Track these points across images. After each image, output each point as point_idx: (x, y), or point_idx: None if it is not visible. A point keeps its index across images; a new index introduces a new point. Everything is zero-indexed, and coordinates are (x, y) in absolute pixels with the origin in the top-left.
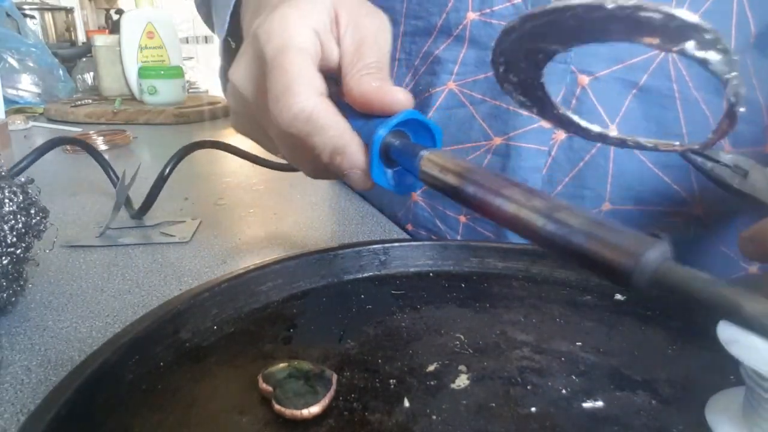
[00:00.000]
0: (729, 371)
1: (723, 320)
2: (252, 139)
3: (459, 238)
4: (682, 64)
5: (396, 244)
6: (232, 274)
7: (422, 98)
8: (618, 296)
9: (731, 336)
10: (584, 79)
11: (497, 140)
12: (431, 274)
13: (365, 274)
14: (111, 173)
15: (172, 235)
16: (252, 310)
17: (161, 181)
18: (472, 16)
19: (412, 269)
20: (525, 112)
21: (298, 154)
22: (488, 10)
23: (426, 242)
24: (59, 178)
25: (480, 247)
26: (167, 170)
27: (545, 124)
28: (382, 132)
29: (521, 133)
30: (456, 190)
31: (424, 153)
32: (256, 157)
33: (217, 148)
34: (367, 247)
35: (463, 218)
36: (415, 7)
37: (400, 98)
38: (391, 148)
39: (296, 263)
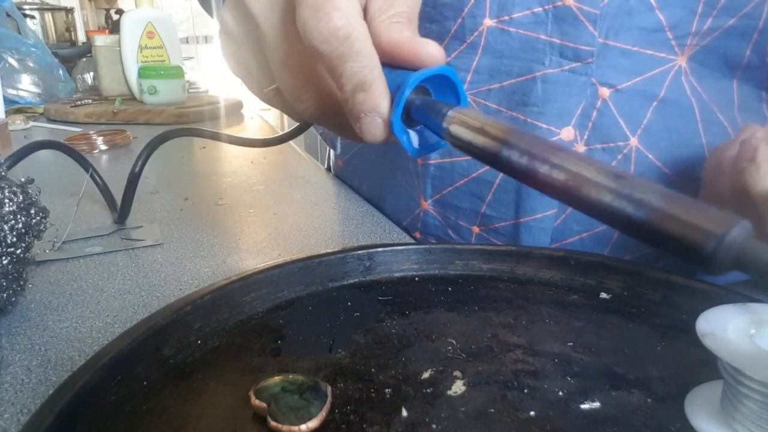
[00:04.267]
0: (716, 366)
1: (703, 314)
2: (240, 68)
3: None
4: (694, 77)
5: (380, 249)
6: (214, 285)
7: None
8: (603, 295)
9: (708, 329)
10: (605, 92)
11: None
12: (417, 279)
13: (350, 281)
14: (98, 179)
15: (141, 240)
16: (237, 323)
17: (135, 178)
18: (489, 23)
19: (397, 274)
20: (543, 125)
21: (304, 83)
22: (506, 18)
23: (410, 246)
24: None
25: (464, 250)
26: (138, 166)
27: (564, 137)
28: (414, 80)
29: None
30: (493, 154)
31: (454, 111)
32: (230, 136)
33: (188, 135)
34: (350, 253)
35: (476, 229)
36: (429, 10)
37: (432, 52)
38: (413, 104)
39: (279, 272)
